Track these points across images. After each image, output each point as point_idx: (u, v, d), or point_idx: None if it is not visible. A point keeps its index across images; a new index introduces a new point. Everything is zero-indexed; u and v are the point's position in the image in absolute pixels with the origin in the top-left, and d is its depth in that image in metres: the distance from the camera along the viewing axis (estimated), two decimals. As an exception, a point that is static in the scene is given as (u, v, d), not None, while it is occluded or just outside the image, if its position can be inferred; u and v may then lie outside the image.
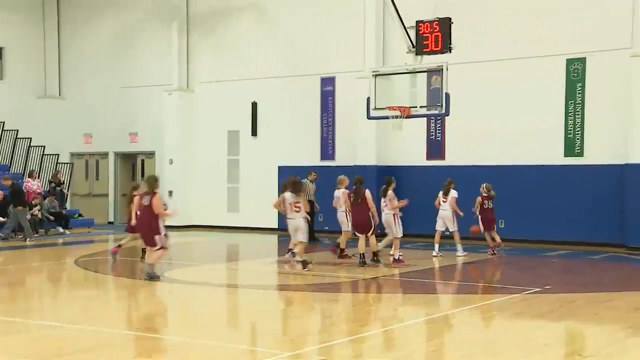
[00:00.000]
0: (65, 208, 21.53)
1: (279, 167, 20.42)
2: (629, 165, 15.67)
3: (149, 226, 11.01)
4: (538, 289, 10.46)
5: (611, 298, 9.91)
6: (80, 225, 21.47)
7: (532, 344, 7.11)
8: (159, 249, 11.01)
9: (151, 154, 23.08)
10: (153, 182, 11.13)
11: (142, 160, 23.48)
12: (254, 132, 21.28)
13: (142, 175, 23.56)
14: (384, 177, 13.91)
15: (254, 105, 21.19)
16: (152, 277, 11.01)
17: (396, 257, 12.95)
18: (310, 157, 20.19)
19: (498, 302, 9.62)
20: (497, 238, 14.82)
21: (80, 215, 22.11)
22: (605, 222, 16.16)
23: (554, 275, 12.64)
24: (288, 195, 12.43)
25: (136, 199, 12.01)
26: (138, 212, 11.61)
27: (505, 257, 14.67)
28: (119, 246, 13.78)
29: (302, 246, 12.44)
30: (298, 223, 12.33)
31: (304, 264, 12.17)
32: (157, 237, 10.94)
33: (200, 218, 21.89)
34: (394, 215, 13.13)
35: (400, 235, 13.15)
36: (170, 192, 21.57)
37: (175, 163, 21.91)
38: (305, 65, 20.27)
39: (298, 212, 12.30)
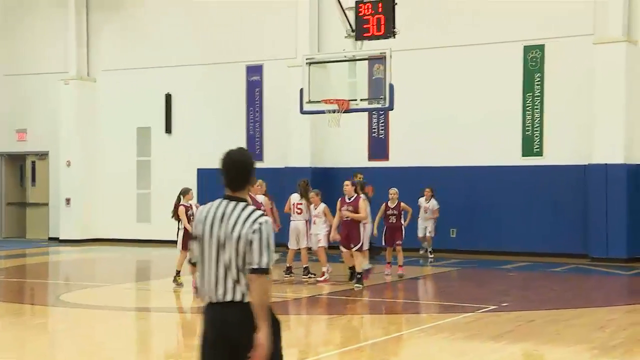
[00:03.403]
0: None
1: (198, 170, 20.16)
2: (591, 165, 16.19)
3: None
4: (494, 307, 10.65)
5: (574, 315, 10.17)
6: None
7: (487, 370, 7.20)
8: None
9: (44, 155, 22.42)
10: None
11: (33, 162, 22.80)
12: (168, 129, 20.97)
13: (33, 180, 22.84)
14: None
15: (168, 98, 20.88)
16: None
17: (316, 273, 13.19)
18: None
19: (450, 322, 9.73)
20: (401, 259, 13.72)
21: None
22: (568, 230, 16.63)
23: (511, 290, 12.91)
24: (294, 196, 13.44)
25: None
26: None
27: (431, 276, 14.64)
28: None
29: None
30: (298, 225, 13.28)
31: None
32: None
33: (104, 230, 21.38)
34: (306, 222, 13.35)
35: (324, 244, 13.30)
36: (68, 200, 21.01)
37: (73, 165, 21.34)
38: (228, 51, 20.10)
39: (300, 214, 13.29)
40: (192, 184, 20.04)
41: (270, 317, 4.10)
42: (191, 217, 12.52)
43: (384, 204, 14.00)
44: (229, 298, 4.09)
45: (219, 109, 20.37)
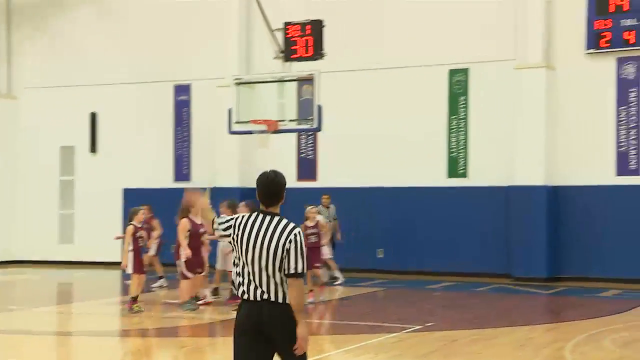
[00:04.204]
0: None
1: (125, 190, 19.86)
2: (513, 187, 16.66)
3: None
4: (419, 327, 10.79)
5: (496, 334, 10.40)
6: None
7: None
8: None
9: (-38, 174, 21.69)
10: None
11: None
12: (93, 148, 20.63)
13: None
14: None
15: (93, 117, 20.56)
16: None
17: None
18: (162, 177, 19.81)
19: (375, 342, 9.80)
20: (317, 280, 13.23)
21: None
22: (491, 250, 17.02)
23: (436, 310, 13.11)
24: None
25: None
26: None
27: (355, 299, 14.48)
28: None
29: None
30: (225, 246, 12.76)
31: None
32: None
33: (24, 252, 20.78)
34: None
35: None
36: None
37: (-7, 185, 20.71)
38: (156, 70, 19.91)
39: None
40: (118, 204, 19.80)
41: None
42: (139, 239, 12.26)
43: (302, 224, 13.45)
44: (265, 297, 4.70)
45: (146, 128, 20.13)
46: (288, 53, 13.54)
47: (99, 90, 20.40)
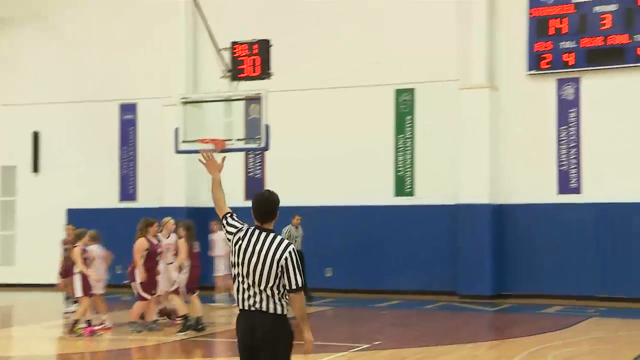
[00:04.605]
0: None
1: (68, 210, 19.49)
2: (459, 205, 16.89)
3: None
4: (367, 346, 10.81)
5: (442, 352, 10.50)
6: None
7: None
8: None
9: None
10: None
11: None
12: (36, 168, 20.25)
13: None
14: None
15: (36, 136, 20.18)
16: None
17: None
18: (107, 197, 19.53)
19: (323, 362, 9.79)
20: (182, 308, 12.24)
21: None
22: (438, 268, 17.18)
23: (384, 329, 13.17)
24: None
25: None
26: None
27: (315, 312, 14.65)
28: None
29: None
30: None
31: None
32: None
33: (-37, 275, 20.18)
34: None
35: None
36: None
37: None
38: (101, 89, 19.69)
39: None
40: (61, 225, 19.39)
41: (290, 328, 5.11)
42: (85, 260, 11.99)
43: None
44: (257, 307, 5.07)
45: (90, 148, 19.85)
46: (235, 72, 13.52)
47: (41, 109, 20.04)
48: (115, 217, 18.46)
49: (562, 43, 16.43)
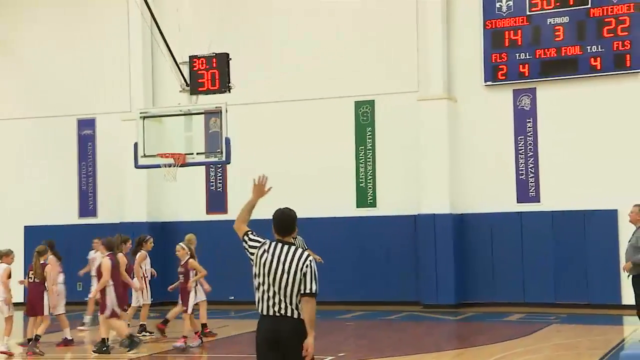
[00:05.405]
0: None
1: (26, 227, 19.11)
2: (421, 215, 16.95)
3: None
4: (332, 357, 10.75)
5: (407, 362, 10.48)
6: None
7: None
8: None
9: None
10: None
11: None
12: (-8, 185, 19.82)
13: None
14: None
15: (-8, 152, 19.79)
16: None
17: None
18: (67, 214, 19.21)
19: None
20: (185, 327, 12.12)
21: None
22: (401, 278, 17.20)
23: (348, 340, 13.12)
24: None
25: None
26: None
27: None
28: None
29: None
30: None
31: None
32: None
33: None
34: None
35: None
36: None
37: None
38: (58, 104, 19.39)
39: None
40: (19, 242, 18.98)
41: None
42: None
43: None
44: (282, 312, 5.54)
45: (48, 164, 19.53)
46: (195, 86, 13.43)
47: (-3, 125, 19.69)
48: (74, 234, 18.14)
49: (517, 54, 16.65)
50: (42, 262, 11.92)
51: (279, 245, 5.69)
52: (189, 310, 11.99)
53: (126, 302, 12.19)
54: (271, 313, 5.54)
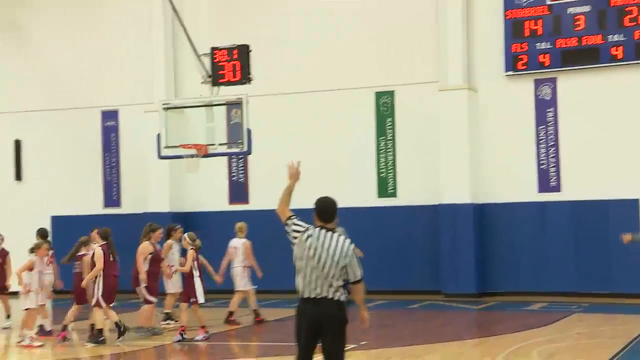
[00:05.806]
0: None
1: (53, 217, 19.37)
2: (442, 205, 16.95)
3: None
4: (354, 345, 10.80)
5: (427, 350, 10.55)
6: None
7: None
8: None
9: None
10: None
11: None
12: (19, 176, 20.12)
13: None
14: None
15: (18, 144, 20.05)
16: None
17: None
18: (92, 204, 19.43)
19: (309, 364, 9.76)
20: (199, 319, 11.96)
21: None
22: (422, 268, 17.24)
23: (370, 329, 13.00)
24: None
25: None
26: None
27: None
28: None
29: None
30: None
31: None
32: None
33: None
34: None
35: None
36: None
37: None
38: (82, 96, 19.59)
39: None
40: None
41: (347, 314, 5.99)
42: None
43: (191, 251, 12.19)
44: (324, 295, 5.89)
45: (73, 155, 19.75)
46: (216, 77, 13.51)
47: (21, 117, 19.95)
48: (100, 223, 18.28)
49: (537, 44, 16.55)
50: (82, 253, 12.11)
51: (323, 231, 5.97)
52: (200, 300, 11.86)
53: (156, 293, 12.22)
54: (313, 295, 5.84)
